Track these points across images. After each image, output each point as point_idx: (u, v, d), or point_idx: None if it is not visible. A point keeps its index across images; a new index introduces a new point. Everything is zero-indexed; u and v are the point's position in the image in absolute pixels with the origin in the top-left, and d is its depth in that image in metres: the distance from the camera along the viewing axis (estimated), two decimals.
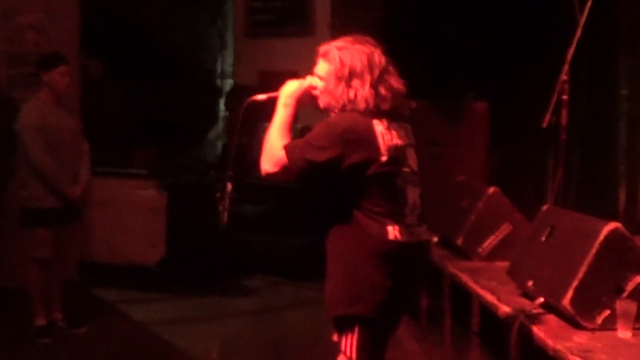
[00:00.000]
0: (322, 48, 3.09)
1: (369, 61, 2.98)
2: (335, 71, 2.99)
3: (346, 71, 2.97)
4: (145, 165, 7.23)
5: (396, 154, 2.95)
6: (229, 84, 12.05)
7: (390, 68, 3.03)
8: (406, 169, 3.03)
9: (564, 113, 4.39)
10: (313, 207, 3.81)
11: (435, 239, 5.20)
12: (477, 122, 6.12)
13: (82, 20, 7.05)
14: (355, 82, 2.97)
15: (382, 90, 2.95)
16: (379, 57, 3.01)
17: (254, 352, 5.29)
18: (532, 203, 5.06)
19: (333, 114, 3.02)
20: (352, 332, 2.95)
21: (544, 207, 3.95)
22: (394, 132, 2.96)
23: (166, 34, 11.22)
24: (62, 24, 6.82)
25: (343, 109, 2.97)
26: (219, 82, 12.54)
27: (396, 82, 3.00)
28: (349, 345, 2.98)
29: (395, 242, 2.91)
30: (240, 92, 8.58)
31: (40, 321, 5.54)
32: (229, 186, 7.31)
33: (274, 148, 2.95)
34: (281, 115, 3.08)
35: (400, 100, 2.99)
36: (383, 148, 2.91)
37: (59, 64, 5.46)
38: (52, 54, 5.62)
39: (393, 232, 2.92)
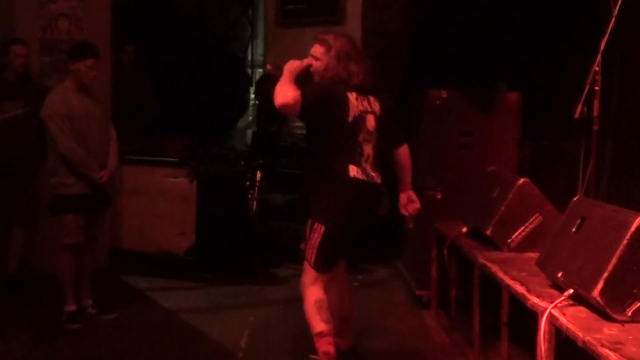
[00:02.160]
0: (320, 36, 4.53)
1: (350, 47, 4.44)
2: (332, 53, 4.40)
3: (339, 54, 4.40)
4: (175, 154, 7.27)
5: (359, 118, 4.39)
6: (259, 72, 12.07)
7: (360, 54, 4.54)
8: (364, 130, 4.41)
9: (596, 104, 4.34)
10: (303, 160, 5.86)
11: (464, 229, 5.18)
12: (509, 112, 6.08)
13: (115, 8, 7.10)
14: (343, 62, 4.39)
15: (354, 69, 4.40)
16: (353, 46, 4.49)
17: (283, 341, 5.32)
18: (563, 194, 5.02)
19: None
20: (316, 231, 4.34)
21: (575, 198, 3.91)
22: (360, 102, 4.43)
23: (198, 23, 11.27)
24: (94, 12, 6.87)
25: (332, 80, 4.39)
26: (249, 71, 12.56)
27: (364, 64, 4.46)
28: (313, 239, 4.36)
29: (354, 178, 4.33)
30: (270, 81, 8.58)
31: (71, 307, 5.61)
32: (259, 175, 7.34)
33: (287, 89, 4.24)
34: (286, 80, 4.34)
35: (366, 78, 4.45)
36: (351, 112, 4.36)
37: (87, 56, 5.49)
38: (83, 45, 5.66)
39: (352, 171, 4.34)
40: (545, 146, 6.36)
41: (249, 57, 12.58)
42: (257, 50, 12.58)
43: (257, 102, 10.34)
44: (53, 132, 5.40)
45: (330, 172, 4.34)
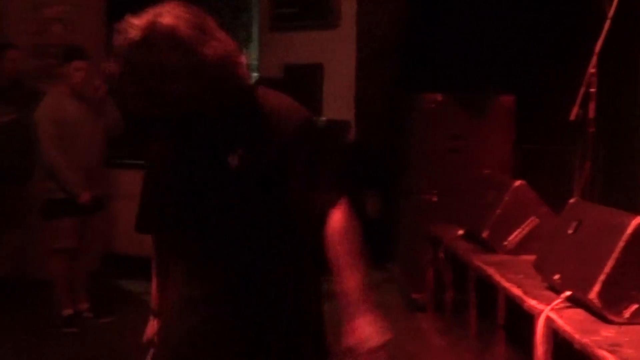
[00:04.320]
0: None
1: None
2: None
3: None
4: None
5: None
6: (253, 77, 12.06)
7: None
8: None
9: (592, 106, 4.34)
10: None
11: (460, 232, 5.18)
12: (503, 115, 6.09)
13: (108, 12, 7.09)
14: None
15: None
16: None
17: None
18: (559, 197, 5.02)
19: None
20: None
21: (571, 201, 3.92)
22: None
23: None
24: (88, 17, 6.85)
25: None
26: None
27: None
28: None
29: None
30: (265, 85, 8.56)
31: (67, 311, 5.60)
32: None
33: None
34: None
35: None
36: None
37: (74, 58, 5.48)
38: (72, 48, 5.66)
39: None
40: (541, 149, 6.37)
41: (243, 62, 12.55)
42: (251, 55, 12.57)
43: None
44: (40, 137, 5.39)
45: None
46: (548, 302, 3.47)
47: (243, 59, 2.26)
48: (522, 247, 4.63)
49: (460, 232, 5.18)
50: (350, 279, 2.30)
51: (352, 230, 2.38)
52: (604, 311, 3.21)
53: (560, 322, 3.27)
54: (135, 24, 2.06)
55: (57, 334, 5.43)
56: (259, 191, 2.23)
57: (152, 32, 2.04)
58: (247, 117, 2.24)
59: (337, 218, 2.31)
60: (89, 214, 5.61)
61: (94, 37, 6.79)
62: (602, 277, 3.22)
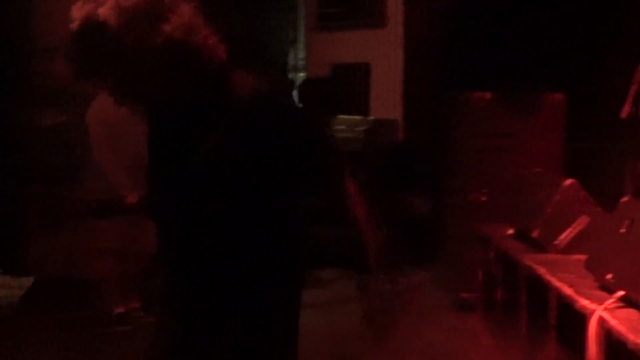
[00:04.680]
0: None
1: None
2: None
3: None
4: None
5: None
6: (301, 77, 12.10)
7: None
8: None
9: None
10: None
11: (510, 231, 5.14)
12: (554, 113, 6.03)
13: None
14: None
15: None
16: None
17: (326, 343, 5.31)
18: (611, 196, 4.96)
19: None
20: None
21: (623, 199, 3.87)
22: None
23: (236, 27, 11.29)
24: None
25: None
26: (291, 75, 12.59)
27: None
28: None
29: None
30: (312, 86, 8.60)
31: (118, 309, 5.67)
32: None
33: None
34: None
35: None
36: None
37: None
38: None
39: None
40: (592, 147, 6.30)
41: (290, 62, 12.61)
42: (298, 55, 12.61)
43: (300, 105, 10.36)
44: (90, 137, 5.47)
45: None
46: (600, 302, 3.43)
47: (213, 40, 2.12)
48: (573, 246, 4.58)
49: (510, 231, 5.14)
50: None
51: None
52: None
53: (613, 322, 3.23)
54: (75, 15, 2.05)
55: (108, 333, 5.50)
56: (231, 182, 2.09)
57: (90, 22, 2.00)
58: (218, 104, 2.11)
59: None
60: (137, 214, 5.67)
61: None
62: None
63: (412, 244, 7.16)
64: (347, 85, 8.10)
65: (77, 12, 2.04)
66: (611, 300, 3.41)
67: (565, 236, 4.62)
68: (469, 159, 6.10)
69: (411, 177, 7.22)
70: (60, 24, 6.79)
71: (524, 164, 5.77)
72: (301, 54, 10.59)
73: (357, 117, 7.89)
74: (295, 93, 10.51)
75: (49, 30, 6.73)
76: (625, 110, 4.28)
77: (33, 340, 5.27)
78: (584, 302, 3.53)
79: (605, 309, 3.36)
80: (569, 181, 4.74)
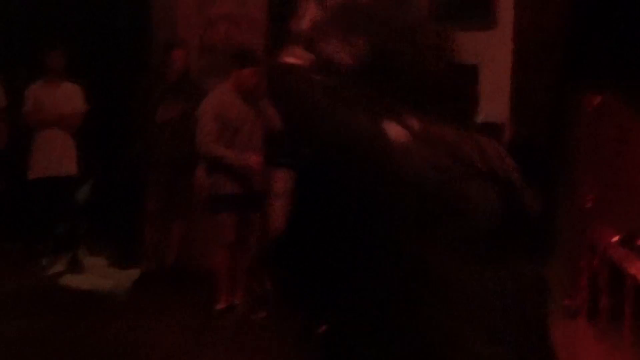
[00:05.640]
0: None
1: None
2: None
3: None
4: None
5: None
6: None
7: None
8: None
9: None
10: None
11: (616, 238, 5.04)
12: None
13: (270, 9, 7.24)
14: None
15: None
16: None
17: None
18: None
19: None
20: None
21: None
22: None
23: None
24: (252, 14, 7.05)
25: None
26: None
27: None
28: None
29: None
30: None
31: (221, 305, 5.79)
32: None
33: None
34: None
35: None
36: None
37: (248, 65, 5.65)
38: (246, 53, 5.82)
39: None
40: None
41: None
42: None
43: None
44: (199, 129, 5.60)
45: None
46: None
47: None
48: None
49: (616, 238, 5.03)
50: None
51: None
52: None
53: None
54: None
55: (212, 327, 5.61)
56: None
57: None
58: None
59: None
60: (247, 210, 5.79)
61: (257, 34, 6.99)
62: None
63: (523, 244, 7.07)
64: (455, 87, 8.05)
65: None
66: None
67: None
68: (583, 161, 5.99)
69: (523, 177, 7.13)
70: (179, 18, 7.00)
71: (635, 169, 5.63)
72: None
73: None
74: None
75: (169, 24, 6.96)
76: None
77: (140, 330, 5.43)
78: None
79: None
80: None
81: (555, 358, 2.06)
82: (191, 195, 6.53)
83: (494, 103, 7.72)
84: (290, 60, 1.86)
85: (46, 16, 7.52)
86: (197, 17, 6.96)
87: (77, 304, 6.13)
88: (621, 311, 4.73)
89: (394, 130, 1.78)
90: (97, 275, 6.80)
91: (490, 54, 7.89)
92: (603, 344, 5.21)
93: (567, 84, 7.07)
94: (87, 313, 5.87)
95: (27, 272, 6.83)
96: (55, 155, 7.05)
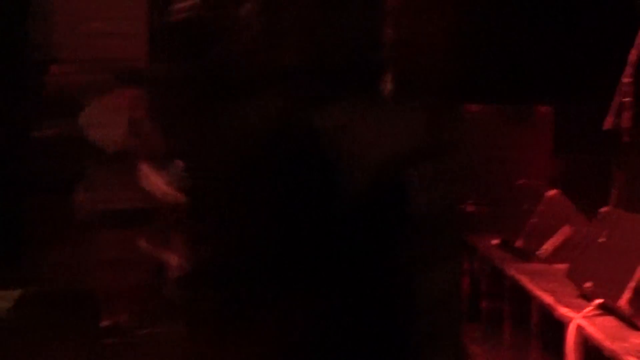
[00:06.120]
0: None
1: None
2: None
3: None
4: None
5: None
6: None
7: None
8: None
9: (626, 115, 4.35)
10: None
11: (495, 241, 5.19)
12: (541, 126, 6.10)
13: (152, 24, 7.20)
14: None
15: None
16: None
17: None
18: (597, 206, 5.01)
19: None
20: None
21: (603, 209, 3.93)
22: None
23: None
24: (131, 30, 6.97)
25: None
26: None
27: None
28: None
29: None
30: None
31: (104, 322, 5.68)
32: None
33: None
34: None
35: None
36: None
37: (132, 84, 5.58)
38: (130, 72, 5.75)
39: None
40: (579, 159, 6.35)
41: None
42: None
43: None
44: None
45: None
46: (579, 310, 3.48)
47: None
48: (556, 256, 4.63)
49: (496, 241, 5.19)
50: None
51: None
52: (633, 318, 3.22)
53: (590, 329, 3.28)
54: None
55: (96, 344, 5.51)
56: None
57: None
58: None
59: None
60: (133, 226, 5.71)
61: (138, 49, 6.90)
62: (632, 284, 3.23)
63: None
64: None
65: None
66: (589, 308, 3.46)
67: (548, 246, 4.67)
68: (463, 167, 6.14)
69: None
70: (58, 35, 6.82)
71: (511, 175, 5.83)
72: None
73: None
74: None
75: (48, 41, 6.79)
76: (608, 122, 4.34)
77: (23, 350, 5.29)
78: (563, 311, 3.58)
79: (584, 316, 3.41)
80: (553, 191, 4.81)
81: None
82: (72, 212, 6.39)
83: None
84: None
85: None
86: (73, 34, 6.83)
87: None
88: (500, 313, 4.87)
89: None
90: None
91: None
92: (484, 345, 5.34)
93: (445, 93, 7.24)
94: None
95: None
96: None
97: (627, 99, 4.35)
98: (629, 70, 4.34)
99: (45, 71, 6.31)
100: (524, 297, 4.26)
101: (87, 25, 6.91)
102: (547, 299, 3.82)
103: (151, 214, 6.05)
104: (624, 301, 3.23)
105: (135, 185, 5.62)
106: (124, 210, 5.63)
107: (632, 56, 4.34)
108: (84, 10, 6.92)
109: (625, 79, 4.34)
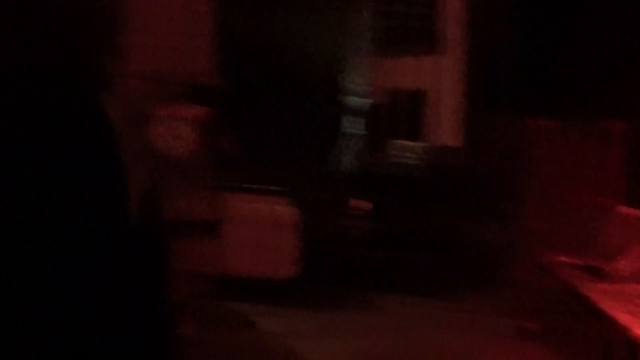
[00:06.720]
0: None
1: None
2: None
3: None
4: (275, 181, 7.37)
5: None
6: (362, 102, 12.16)
7: None
8: None
9: None
10: None
11: (566, 259, 5.08)
12: (615, 141, 5.97)
13: None
14: None
15: None
16: None
17: None
18: None
19: None
20: None
21: None
22: None
23: (295, 51, 11.42)
24: (199, 47, 7.04)
25: None
26: (350, 100, 12.64)
27: None
28: None
29: None
30: (374, 111, 8.65)
31: None
32: (354, 202, 7.35)
33: None
34: None
35: None
36: None
37: (204, 102, 5.62)
38: (205, 90, 5.79)
39: None
40: None
41: (349, 87, 12.68)
42: (357, 80, 12.65)
43: (364, 132, 10.41)
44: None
45: None
46: None
47: None
48: (630, 274, 4.52)
49: (567, 259, 5.09)
50: None
51: None
52: None
53: None
54: None
55: None
56: None
57: None
58: None
59: None
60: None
61: (207, 68, 6.95)
62: None
63: (472, 268, 7.10)
64: (405, 111, 8.12)
65: None
66: None
67: (623, 265, 4.56)
68: (529, 185, 6.05)
69: (473, 203, 7.19)
70: (128, 48, 6.94)
71: (584, 192, 5.72)
72: (360, 79, 10.64)
73: (414, 143, 7.88)
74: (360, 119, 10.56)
75: (118, 54, 6.91)
76: None
77: None
78: (638, 331, 3.49)
79: None
80: (627, 209, 4.70)
81: None
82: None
83: (446, 127, 7.80)
84: None
85: None
86: (141, 47, 6.90)
87: None
88: (576, 332, 4.75)
89: None
90: None
91: (441, 80, 7.96)
92: None
93: (517, 108, 7.17)
94: None
95: None
96: None
97: None
98: None
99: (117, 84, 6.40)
100: (599, 317, 4.15)
101: (154, 39, 6.99)
102: (622, 319, 3.72)
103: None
104: None
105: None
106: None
107: None
108: (152, 25, 7.01)
109: None
